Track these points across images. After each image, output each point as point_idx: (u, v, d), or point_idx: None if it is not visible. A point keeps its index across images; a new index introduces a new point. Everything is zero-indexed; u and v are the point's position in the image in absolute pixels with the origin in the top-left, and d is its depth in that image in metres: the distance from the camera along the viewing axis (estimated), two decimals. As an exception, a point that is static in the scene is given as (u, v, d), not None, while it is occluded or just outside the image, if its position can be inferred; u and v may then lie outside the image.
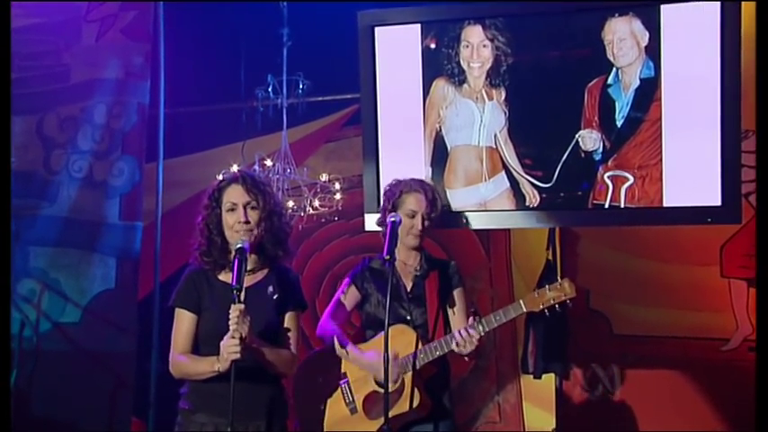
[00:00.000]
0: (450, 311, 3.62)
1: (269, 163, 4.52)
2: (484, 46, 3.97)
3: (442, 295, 3.60)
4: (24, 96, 5.10)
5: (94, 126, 5.20)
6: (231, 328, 2.84)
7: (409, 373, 3.45)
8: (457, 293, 3.63)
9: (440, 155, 4.07)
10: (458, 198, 4.05)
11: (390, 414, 3.28)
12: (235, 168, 4.10)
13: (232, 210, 3.04)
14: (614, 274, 4.68)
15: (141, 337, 5.06)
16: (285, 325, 3.09)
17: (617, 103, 3.83)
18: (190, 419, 3.05)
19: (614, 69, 3.83)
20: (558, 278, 3.48)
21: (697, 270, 4.53)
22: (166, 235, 5.08)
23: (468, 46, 3.99)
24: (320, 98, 4.97)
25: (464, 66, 4.00)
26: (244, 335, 2.84)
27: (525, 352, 4.76)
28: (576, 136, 3.88)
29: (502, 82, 3.96)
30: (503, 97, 3.97)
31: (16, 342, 4.99)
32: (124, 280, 5.13)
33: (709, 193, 3.73)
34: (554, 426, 4.74)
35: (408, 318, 3.56)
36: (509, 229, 4.83)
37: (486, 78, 3.98)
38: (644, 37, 3.78)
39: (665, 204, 3.80)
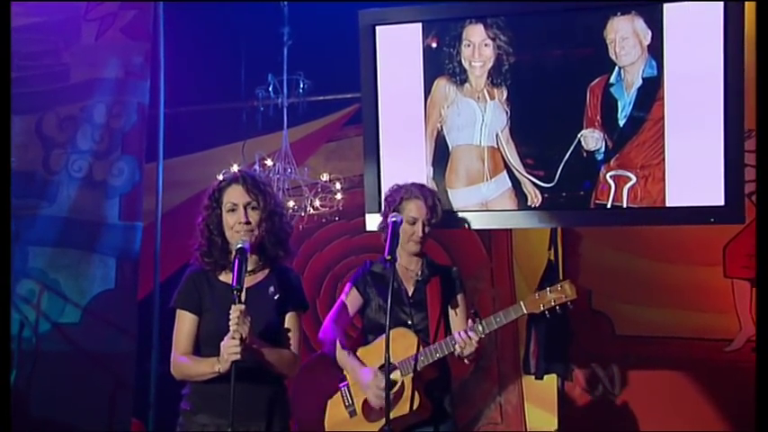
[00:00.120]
0: (450, 317, 3.61)
1: (269, 163, 4.52)
2: (485, 45, 3.96)
3: (443, 300, 3.60)
4: (24, 96, 5.07)
5: (94, 126, 5.18)
6: (231, 328, 2.84)
7: (409, 376, 3.44)
8: (458, 299, 3.63)
9: (441, 154, 4.06)
10: (459, 198, 4.04)
11: (390, 416, 3.27)
12: (235, 168, 4.10)
13: (232, 210, 3.04)
14: (616, 275, 4.67)
15: (141, 338, 5.05)
16: (286, 325, 3.09)
17: (619, 103, 3.82)
18: (191, 420, 3.04)
19: (617, 68, 3.81)
20: (560, 279, 3.47)
21: (700, 270, 4.52)
22: (166, 235, 5.07)
23: (469, 45, 3.98)
24: (321, 97, 4.96)
25: (465, 65, 3.99)
26: (244, 335, 2.84)
27: (527, 353, 4.75)
28: (579, 135, 3.87)
29: (503, 81, 3.95)
30: (504, 96, 3.95)
31: (15, 343, 4.97)
32: (124, 280, 5.11)
33: (712, 193, 3.72)
34: (556, 427, 4.74)
35: (409, 322, 3.55)
36: (511, 230, 4.82)
37: (488, 78, 3.97)
38: (646, 36, 3.77)
39: (667, 204, 3.79)
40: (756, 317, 3.68)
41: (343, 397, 3.55)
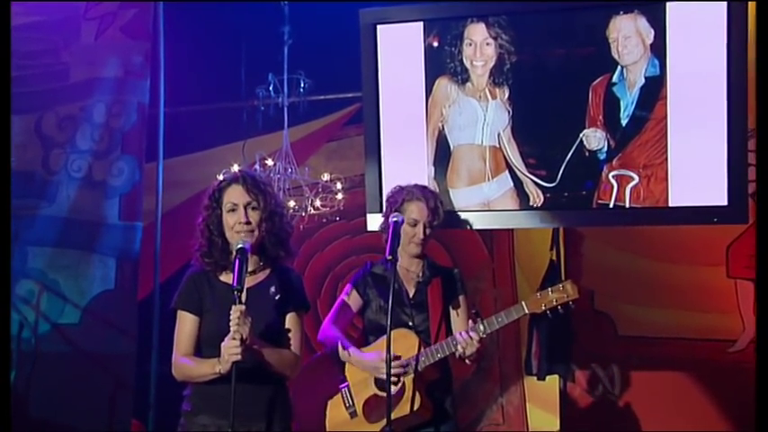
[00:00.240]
0: (452, 318, 3.61)
1: (270, 162, 4.51)
2: (487, 44, 3.95)
3: (444, 302, 3.59)
4: (23, 95, 5.07)
5: (94, 125, 5.17)
6: (232, 329, 2.84)
7: (410, 377, 3.43)
8: (459, 300, 3.63)
9: (442, 154, 4.05)
10: (461, 198, 4.03)
11: (392, 417, 3.26)
12: (235, 168, 4.09)
13: (233, 210, 3.02)
14: (619, 275, 4.66)
15: (141, 339, 5.04)
16: (287, 326, 3.08)
17: (622, 102, 3.81)
18: (192, 421, 3.03)
19: (619, 67, 3.80)
20: (562, 279, 3.46)
21: (703, 271, 4.50)
22: (166, 235, 5.06)
23: (471, 44, 3.96)
24: (322, 97, 4.95)
25: (467, 64, 3.98)
26: (245, 336, 2.83)
27: (529, 353, 4.73)
28: (581, 135, 3.85)
29: (505, 80, 3.93)
30: (506, 96, 3.94)
31: (15, 343, 4.97)
32: (124, 281, 5.10)
33: (715, 193, 3.70)
34: (558, 428, 4.72)
35: (410, 323, 3.55)
36: (512, 229, 4.81)
37: (490, 77, 3.96)
38: (649, 35, 3.75)
39: (670, 204, 3.78)
40: (756, 317, 3.67)
41: (343, 398, 3.54)
